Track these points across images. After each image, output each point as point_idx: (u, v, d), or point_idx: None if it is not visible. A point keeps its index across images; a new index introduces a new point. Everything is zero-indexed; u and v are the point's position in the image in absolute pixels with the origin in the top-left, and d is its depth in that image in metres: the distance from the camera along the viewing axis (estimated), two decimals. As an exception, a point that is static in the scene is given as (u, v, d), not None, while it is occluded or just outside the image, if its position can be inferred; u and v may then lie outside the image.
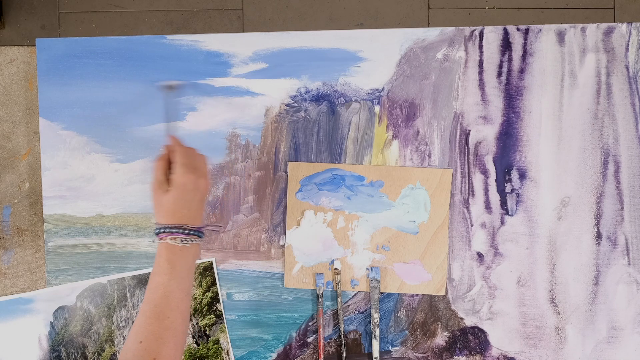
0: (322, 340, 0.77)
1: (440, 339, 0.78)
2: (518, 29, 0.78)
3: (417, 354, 0.78)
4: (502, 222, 0.77)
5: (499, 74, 0.77)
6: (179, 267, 0.62)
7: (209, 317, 0.78)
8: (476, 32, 0.78)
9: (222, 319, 0.78)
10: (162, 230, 0.62)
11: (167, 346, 0.59)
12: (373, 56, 0.78)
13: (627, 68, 0.76)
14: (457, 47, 0.78)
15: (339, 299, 0.77)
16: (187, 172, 0.63)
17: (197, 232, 0.63)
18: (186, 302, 0.62)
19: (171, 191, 0.63)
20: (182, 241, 0.62)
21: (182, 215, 0.63)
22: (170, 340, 0.59)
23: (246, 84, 0.79)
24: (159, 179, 0.64)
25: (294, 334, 0.78)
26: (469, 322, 0.77)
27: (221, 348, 0.78)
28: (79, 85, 0.80)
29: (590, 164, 0.77)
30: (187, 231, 0.62)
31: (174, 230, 0.62)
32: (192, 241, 0.62)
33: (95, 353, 0.78)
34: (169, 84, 0.78)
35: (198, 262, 0.79)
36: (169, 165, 0.65)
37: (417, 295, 0.78)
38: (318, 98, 0.79)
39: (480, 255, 0.77)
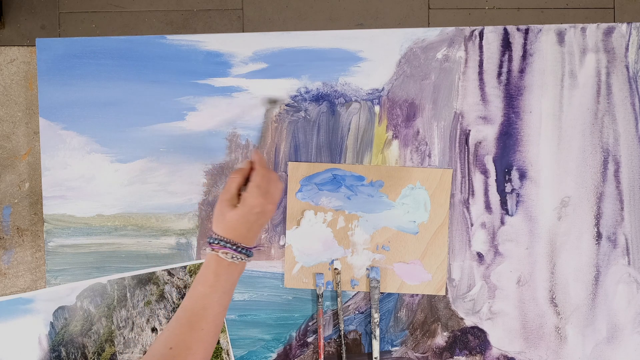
0: (322, 340, 0.77)
1: (440, 339, 0.78)
2: (518, 29, 0.78)
3: (417, 354, 0.78)
4: (502, 222, 0.77)
5: (499, 74, 0.77)
6: (224, 282, 0.62)
7: (209, 317, 0.78)
8: (476, 32, 0.78)
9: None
10: (216, 242, 0.62)
11: (195, 357, 0.59)
12: (373, 56, 0.78)
13: (627, 68, 0.77)
14: (457, 47, 0.78)
15: (339, 299, 0.77)
16: (260, 195, 0.63)
17: (248, 252, 0.64)
18: (222, 317, 0.62)
19: (238, 208, 0.63)
20: (232, 257, 0.62)
21: (240, 233, 0.63)
22: (200, 353, 0.59)
23: (246, 84, 0.79)
24: (232, 192, 0.64)
25: (294, 334, 0.78)
26: (469, 322, 0.77)
27: (221, 348, 0.78)
28: (79, 85, 0.80)
29: (590, 164, 0.77)
30: (239, 249, 0.63)
31: (228, 245, 0.62)
32: (242, 259, 0.63)
33: (95, 353, 0.78)
34: (274, 98, 0.78)
35: (198, 261, 0.79)
36: (245, 181, 0.66)
37: (417, 295, 0.78)
38: (318, 98, 0.79)
39: (480, 255, 0.77)
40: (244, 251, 0.63)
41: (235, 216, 0.63)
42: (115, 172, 0.80)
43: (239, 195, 0.65)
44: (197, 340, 0.59)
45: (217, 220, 0.64)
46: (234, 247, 0.62)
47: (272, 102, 0.78)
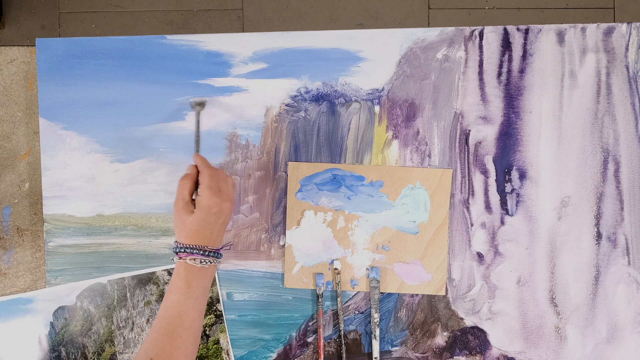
0: (322, 340, 0.77)
1: (440, 339, 0.78)
2: (518, 29, 0.78)
3: (417, 354, 0.78)
4: (502, 222, 0.77)
5: (499, 74, 0.77)
6: (196, 287, 0.62)
7: (209, 317, 0.78)
8: (476, 32, 0.78)
9: (222, 319, 0.78)
10: (182, 250, 0.63)
11: None
12: (373, 56, 0.78)
13: (627, 68, 0.77)
14: (457, 47, 0.78)
15: (339, 299, 0.77)
16: (213, 195, 0.63)
17: (216, 254, 0.64)
18: (199, 322, 0.63)
19: (196, 213, 0.63)
20: (201, 262, 0.62)
21: (203, 237, 0.63)
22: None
23: (246, 84, 0.79)
24: (185, 199, 0.65)
25: (294, 334, 0.78)
26: (469, 322, 0.77)
27: (221, 348, 0.78)
28: (79, 85, 0.80)
29: (590, 164, 0.77)
30: (206, 252, 0.63)
31: (194, 251, 0.62)
32: (211, 262, 0.63)
33: (95, 353, 0.78)
34: (200, 100, 0.78)
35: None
36: (195, 185, 0.66)
37: (417, 295, 0.78)
38: (318, 98, 0.79)
39: (480, 255, 0.77)
40: (212, 254, 0.63)
41: (195, 221, 0.63)
42: (115, 172, 0.80)
43: (192, 200, 0.65)
44: (177, 348, 0.60)
45: (179, 228, 0.64)
46: (201, 252, 0.62)
47: (200, 104, 0.78)
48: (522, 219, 0.77)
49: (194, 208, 0.64)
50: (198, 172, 0.67)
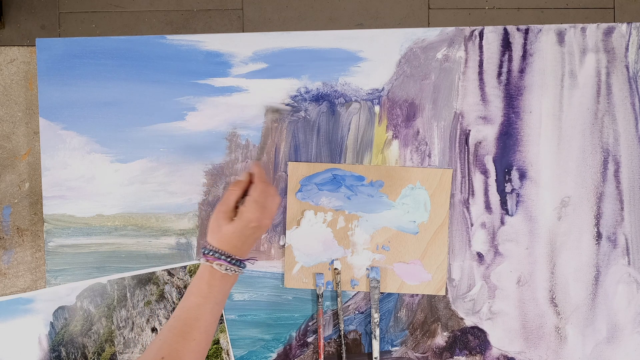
0: (322, 340, 0.77)
1: (440, 339, 0.78)
2: (518, 29, 0.78)
3: (417, 354, 0.78)
4: (502, 222, 0.77)
5: (499, 74, 0.77)
6: (217, 292, 0.63)
7: (209, 317, 0.78)
8: (476, 32, 0.78)
9: (222, 319, 0.78)
10: (211, 253, 0.63)
11: None
12: (373, 56, 0.78)
13: (627, 68, 0.77)
14: (457, 47, 0.78)
15: (339, 299, 0.77)
16: (257, 210, 0.64)
17: (242, 264, 0.64)
18: (214, 327, 0.63)
19: (235, 222, 0.63)
20: (226, 269, 0.62)
21: (234, 246, 0.63)
22: None
23: (246, 84, 0.79)
24: (230, 205, 0.65)
25: (294, 334, 0.78)
26: (469, 322, 0.77)
27: (221, 348, 0.78)
28: (79, 85, 0.80)
29: (590, 164, 0.77)
30: (233, 261, 0.63)
31: (222, 257, 0.63)
32: (235, 271, 0.63)
33: (95, 353, 0.78)
34: (277, 107, 0.78)
35: (198, 261, 0.79)
36: (243, 193, 0.66)
37: (417, 295, 0.78)
38: (318, 98, 0.79)
39: (480, 255, 0.77)
40: (237, 263, 0.63)
41: (231, 229, 0.63)
42: (115, 172, 0.80)
43: (236, 207, 0.65)
44: (189, 351, 0.60)
45: (213, 231, 0.64)
46: (228, 259, 0.63)
47: (275, 111, 0.78)
48: (522, 219, 0.77)
49: (234, 215, 0.64)
50: (251, 181, 0.67)
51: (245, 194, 0.66)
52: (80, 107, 0.80)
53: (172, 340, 0.60)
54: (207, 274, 0.63)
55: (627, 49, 0.76)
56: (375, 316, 0.76)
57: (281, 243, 0.79)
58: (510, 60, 0.77)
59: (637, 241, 0.76)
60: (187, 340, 0.60)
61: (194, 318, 0.61)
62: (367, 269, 0.78)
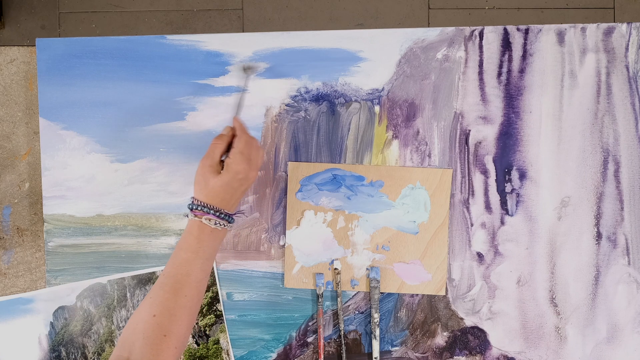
0: (322, 340, 0.77)
1: (440, 339, 0.78)
2: (518, 29, 0.78)
3: (417, 354, 0.78)
4: (502, 222, 0.77)
5: (499, 74, 0.77)
6: (206, 247, 0.62)
7: (209, 317, 0.78)
8: (476, 32, 0.78)
9: (222, 319, 0.78)
10: (198, 208, 0.62)
11: (179, 324, 0.59)
12: (373, 56, 0.78)
13: (627, 68, 0.77)
14: (457, 47, 0.78)
15: (339, 299, 0.77)
16: (244, 161, 0.64)
17: (230, 218, 0.64)
18: (204, 283, 0.63)
19: (222, 175, 0.63)
20: (215, 223, 0.62)
21: (222, 199, 0.63)
22: (184, 319, 0.60)
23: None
24: (215, 159, 0.65)
25: (294, 334, 0.78)
26: (469, 322, 0.77)
27: (221, 348, 0.78)
28: (79, 85, 0.80)
29: (590, 164, 0.77)
30: (221, 215, 0.63)
31: (211, 211, 0.62)
32: (224, 225, 0.63)
33: (95, 353, 0.78)
34: (250, 65, 0.77)
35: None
36: (227, 147, 0.66)
37: (417, 295, 0.78)
38: (318, 98, 0.79)
39: (480, 255, 0.77)
40: (226, 217, 0.63)
41: (218, 182, 0.63)
42: (115, 172, 0.80)
43: (221, 161, 0.65)
44: (181, 307, 0.59)
45: (200, 186, 0.64)
46: (217, 214, 0.63)
47: (248, 68, 0.78)
48: (522, 219, 0.77)
49: (221, 169, 0.64)
50: (233, 135, 0.66)
51: (228, 148, 0.66)
52: (80, 107, 0.80)
53: (163, 297, 0.59)
54: (195, 229, 0.62)
55: (627, 49, 0.76)
56: (375, 316, 0.76)
57: (281, 243, 0.79)
58: (510, 60, 0.77)
59: (637, 241, 0.76)
60: (179, 296, 0.60)
61: (184, 274, 0.61)
62: (367, 269, 0.78)
